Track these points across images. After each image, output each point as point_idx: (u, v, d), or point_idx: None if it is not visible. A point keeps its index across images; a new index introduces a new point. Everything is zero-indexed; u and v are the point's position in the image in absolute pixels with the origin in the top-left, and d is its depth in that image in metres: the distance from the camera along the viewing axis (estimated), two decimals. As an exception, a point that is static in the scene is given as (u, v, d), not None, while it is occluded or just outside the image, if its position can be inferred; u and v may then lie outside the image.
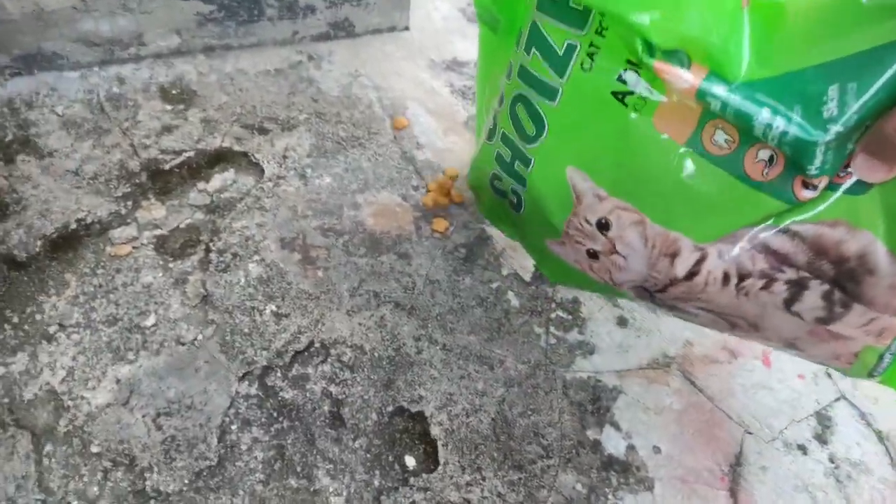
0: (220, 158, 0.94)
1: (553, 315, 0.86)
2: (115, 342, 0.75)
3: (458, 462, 0.73)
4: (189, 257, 0.84)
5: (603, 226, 0.64)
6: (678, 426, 0.79)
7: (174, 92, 0.99)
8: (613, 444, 0.76)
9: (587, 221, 0.65)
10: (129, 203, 0.87)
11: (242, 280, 0.83)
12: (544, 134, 0.66)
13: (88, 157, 0.90)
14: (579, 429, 0.78)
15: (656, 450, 0.77)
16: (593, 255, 0.67)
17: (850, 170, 0.49)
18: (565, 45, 0.59)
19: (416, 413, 0.75)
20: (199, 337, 0.78)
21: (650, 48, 0.53)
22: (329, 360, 0.78)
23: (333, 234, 0.89)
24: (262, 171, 0.93)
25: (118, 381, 0.72)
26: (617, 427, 0.78)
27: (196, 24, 1.01)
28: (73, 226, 0.84)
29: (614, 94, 0.57)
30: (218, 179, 0.92)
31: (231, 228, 0.87)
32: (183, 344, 0.77)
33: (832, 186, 0.50)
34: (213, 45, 1.04)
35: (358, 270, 0.86)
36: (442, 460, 0.73)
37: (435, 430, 0.75)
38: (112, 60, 1.00)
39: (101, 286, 0.79)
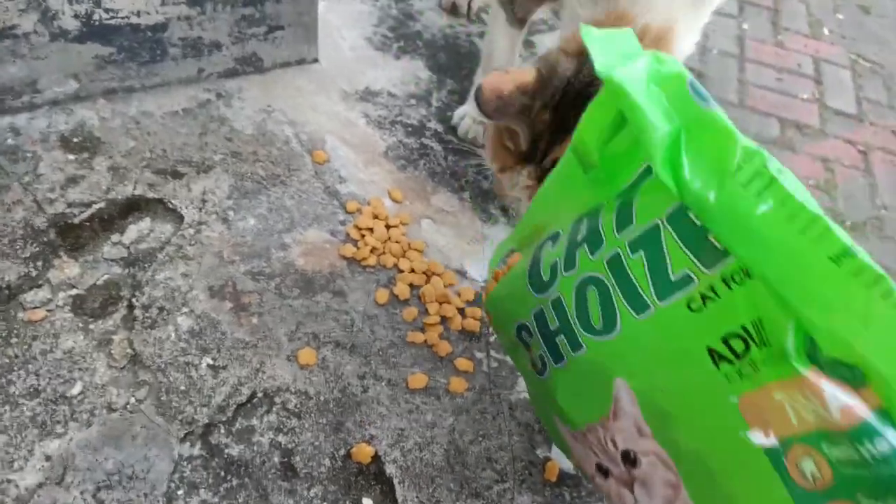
0: (133, 207, 0.91)
1: (492, 339, 0.89)
2: (39, 416, 0.71)
3: (417, 498, 0.74)
4: (111, 316, 0.80)
5: (630, 459, 0.57)
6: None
7: (76, 140, 0.95)
8: (563, 460, 0.79)
9: (613, 442, 0.58)
10: (39, 263, 0.82)
11: (172, 335, 0.80)
12: (611, 336, 0.57)
13: (-13, 217, 0.84)
14: (529, 449, 0.81)
15: (603, 461, 0.81)
16: (604, 471, 0.61)
17: None
18: (682, 273, 0.50)
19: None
20: (132, 401, 0.74)
21: (808, 348, 0.44)
22: (274, 409, 0.77)
23: (264, 278, 0.87)
24: (181, 217, 0.91)
25: (48, 458, 0.68)
26: (564, 443, 0.81)
27: (95, 67, 0.96)
28: (-23, 293, 0.78)
29: (710, 350, 0.49)
30: (133, 230, 0.89)
31: (154, 281, 0.84)
32: (115, 410, 0.73)
33: None
34: (114, 88, 1.00)
35: (294, 313, 0.85)
36: (400, 498, 0.74)
37: (390, 469, 0.75)
38: (4, 110, 0.94)
39: (17, 357, 0.74)
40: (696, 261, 0.49)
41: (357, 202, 0.98)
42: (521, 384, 0.85)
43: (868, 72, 2.52)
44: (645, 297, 0.53)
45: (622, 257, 0.55)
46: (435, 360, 0.85)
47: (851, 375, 0.43)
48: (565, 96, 0.73)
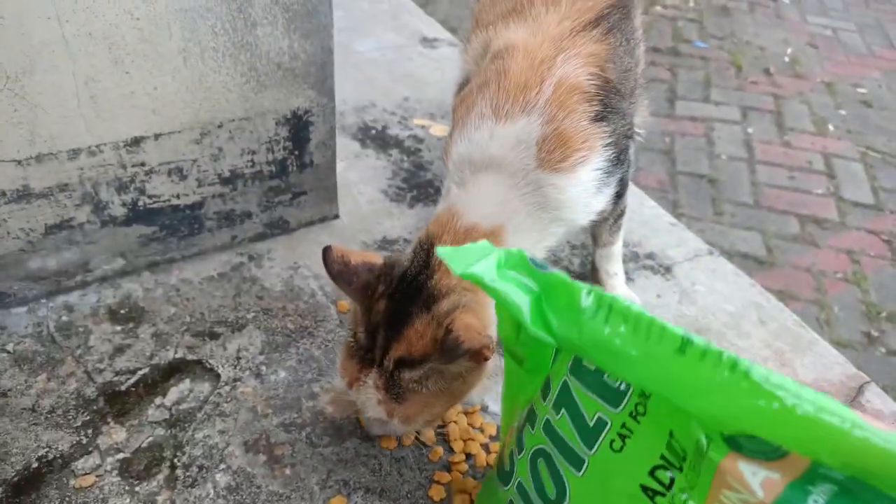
0: (174, 370, 0.99)
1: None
2: (89, 583, 0.75)
3: None
4: (154, 477, 0.86)
5: None
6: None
7: (122, 311, 1.05)
8: None
9: None
10: (90, 431, 0.90)
11: (212, 492, 0.85)
12: (565, 501, 0.60)
13: (44, 391, 0.93)
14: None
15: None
16: None
17: None
18: (596, 417, 0.55)
19: None
20: (175, 560, 0.79)
21: (726, 437, 0.47)
22: (309, 560, 0.80)
23: (296, 429, 0.93)
24: (218, 375, 0.98)
25: None
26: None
27: (139, 245, 1.08)
28: (35, 465, 0.85)
29: (643, 488, 0.52)
30: (175, 392, 0.96)
31: (194, 440, 0.90)
32: (159, 571, 0.77)
33: None
34: (157, 261, 1.12)
35: (325, 461, 0.90)
36: None
37: None
38: (59, 290, 1.05)
39: (68, 525, 0.80)
40: (603, 403, 0.55)
41: (380, 346, 1.05)
42: None
43: (880, 162, 2.58)
44: (577, 452, 0.57)
45: (551, 420, 0.60)
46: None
47: (769, 449, 0.45)
48: (401, 285, 0.78)
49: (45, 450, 0.87)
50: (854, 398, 1.03)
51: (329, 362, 1.02)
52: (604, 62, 0.86)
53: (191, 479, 0.86)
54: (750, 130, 2.79)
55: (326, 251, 0.79)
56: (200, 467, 0.88)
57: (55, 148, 0.94)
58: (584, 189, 0.86)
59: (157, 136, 1.01)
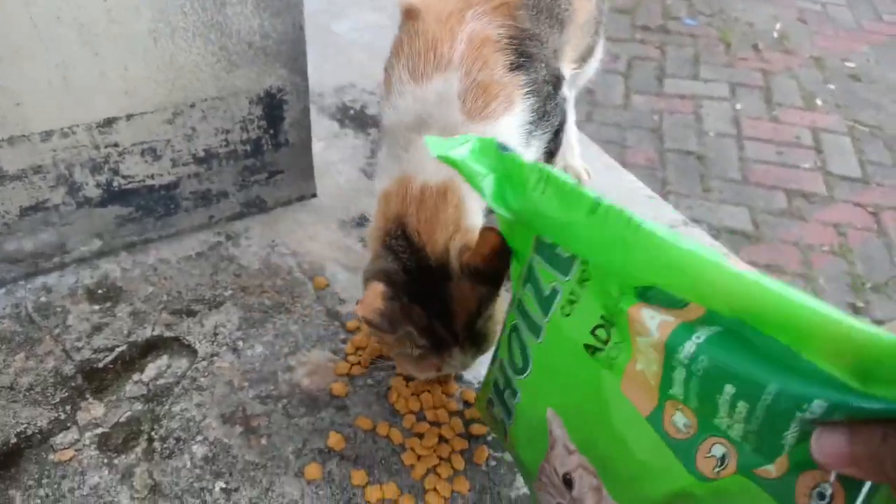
0: (152, 347, 1.01)
1: (490, 437, 0.94)
2: (67, 550, 0.78)
3: None
4: (132, 450, 0.89)
5: (567, 482, 0.62)
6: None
7: (100, 291, 1.07)
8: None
9: (556, 472, 0.63)
10: (68, 407, 0.92)
11: (189, 463, 0.88)
12: (529, 369, 0.66)
13: (22, 370, 0.95)
14: (531, 544, 0.84)
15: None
16: None
17: None
18: (550, 287, 0.61)
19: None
20: (152, 528, 0.81)
21: (639, 290, 0.52)
22: (283, 525, 0.83)
23: (272, 400, 0.95)
24: (195, 351, 1.01)
25: (75, 590, 0.75)
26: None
27: (116, 225, 1.10)
28: (14, 440, 0.88)
29: (587, 346, 0.57)
30: (152, 368, 0.98)
31: (171, 413, 0.93)
32: (137, 538, 0.80)
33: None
34: (134, 242, 1.13)
35: (300, 431, 0.92)
36: None
37: (395, 575, 0.79)
38: (37, 272, 1.07)
39: (47, 496, 0.83)
40: (556, 273, 0.60)
41: (357, 320, 1.07)
42: (520, 480, 0.89)
43: (867, 136, 2.59)
44: (537, 321, 0.63)
45: (522, 298, 0.67)
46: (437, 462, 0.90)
47: (673, 300, 0.50)
48: (413, 280, 0.80)
49: (24, 426, 0.90)
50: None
51: (305, 337, 1.04)
52: (514, 10, 0.87)
53: (168, 451, 0.89)
54: (738, 107, 2.80)
55: (365, 320, 0.76)
56: (178, 439, 0.90)
57: (27, 130, 0.96)
58: (510, 138, 0.88)
59: (129, 117, 1.02)
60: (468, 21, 0.85)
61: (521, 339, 0.67)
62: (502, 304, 0.83)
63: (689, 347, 0.49)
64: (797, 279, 2.12)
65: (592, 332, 0.57)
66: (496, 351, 0.76)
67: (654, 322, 0.51)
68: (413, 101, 0.86)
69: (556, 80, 0.97)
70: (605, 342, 0.56)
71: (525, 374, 0.67)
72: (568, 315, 0.59)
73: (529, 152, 0.93)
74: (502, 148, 0.65)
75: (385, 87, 0.92)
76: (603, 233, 0.53)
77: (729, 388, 0.46)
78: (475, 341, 0.83)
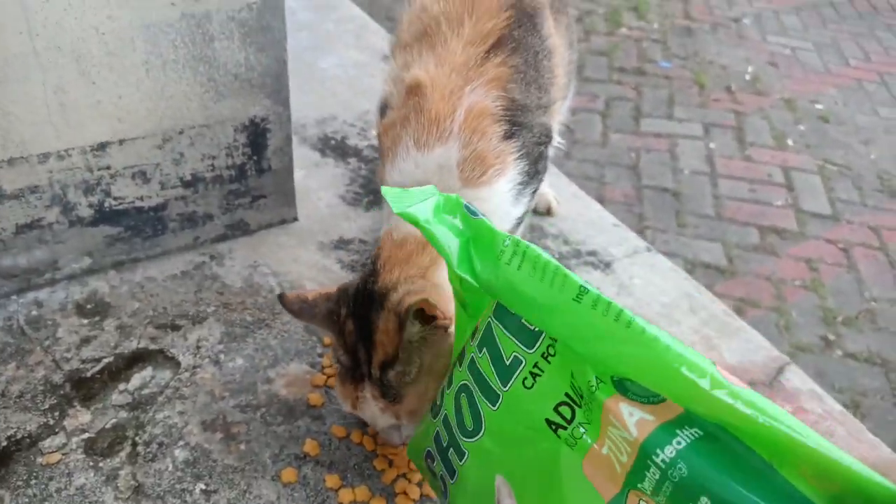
0: (137, 359, 1.08)
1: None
2: (53, 544, 0.84)
3: None
4: (117, 454, 0.95)
5: None
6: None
7: (89, 306, 1.14)
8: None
9: None
10: (56, 413, 0.98)
11: (171, 466, 0.94)
12: (481, 433, 0.65)
13: (13, 378, 1.02)
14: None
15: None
16: None
17: None
18: (512, 356, 0.60)
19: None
20: (134, 525, 0.87)
21: (615, 381, 0.53)
22: (259, 523, 0.89)
23: (251, 409, 1.02)
24: (178, 363, 1.07)
25: (60, 580, 0.80)
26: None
27: (105, 244, 1.18)
28: (4, 443, 0.94)
29: (548, 421, 0.57)
30: (137, 378, 1.05)
31: (154, 420, 0.99)
32: (119, 534, 0.86)
33: None
34: (122, 261, 1.21)
35: (277, 438, 0.99)
36: None
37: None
38: (29, 287, 1.14)
39: (35, 496, 0.88)
40: (519, 344, 0.60)
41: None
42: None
43: (837, 175, 2.72)
44: (494, 388, 0.63)
45: (475, 359, 0.66)
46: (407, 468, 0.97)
47: (650, 394, 0.51)
48: (357, 300, 0.87)
49: (14, 430, 0.96)
50: (775, 377, 1.13)
51: (284, 351, 1.11)
52: (506, 84, 0.97)
53: (151, 455, 0.95)
54: (712, 146, 2.93)
55: (282, 298, 0.90)
56: (160, 444, 0.96)
57: (26, 152, 1.04)
58: (503, 199, 0.97)
59: (121, 142, 1.11)
60: (467, 94, 0.94)
61: (473, 402, 0.66)
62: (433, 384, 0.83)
63: (668, 451, 0.50)
64: (771, 312, 2.21)
65: (556, 409, 0.57)
66: (439, 402, 0.75)
67: (632, 419, 0.52)
68: (415, 167, 0.95)
69: (547, 136, 1.06)
70: (569, 421, 0.56)
71: (476, 438, 0.66)
72: (529, 388, 0.59)
73: (517, 209, 1.01)
74: (472, 213, 0.64)
75: (387, 148, 1.00)
76: (586, 320, 0.53)
77: (705, 501, 0.48)
78: (385, 390, 0.84)
